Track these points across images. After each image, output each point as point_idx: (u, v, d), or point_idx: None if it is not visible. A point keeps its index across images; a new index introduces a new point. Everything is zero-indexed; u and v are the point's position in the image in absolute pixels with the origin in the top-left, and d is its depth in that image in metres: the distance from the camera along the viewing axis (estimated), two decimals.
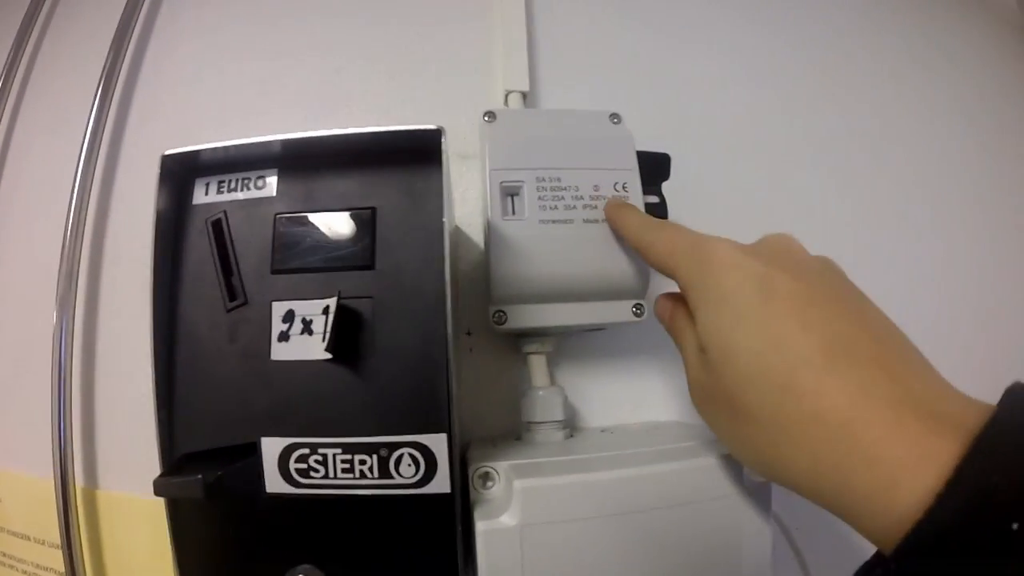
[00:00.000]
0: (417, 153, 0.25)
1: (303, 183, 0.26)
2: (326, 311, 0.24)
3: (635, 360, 0.33)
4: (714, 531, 0.25)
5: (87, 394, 0.37)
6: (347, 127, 0.28)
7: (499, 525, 0.23)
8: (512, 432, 0.32)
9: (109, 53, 0.39)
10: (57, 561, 0.38)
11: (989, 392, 0.15)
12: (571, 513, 0.24)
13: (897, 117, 0.42)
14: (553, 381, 0.31)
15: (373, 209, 0.25)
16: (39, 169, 0.41)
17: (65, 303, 0.36)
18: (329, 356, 0.23)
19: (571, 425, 0.31)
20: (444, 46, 0.37)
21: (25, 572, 0.40)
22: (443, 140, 0.24)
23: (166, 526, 0.31)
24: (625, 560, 0.24)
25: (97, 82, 0.39)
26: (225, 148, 0.26)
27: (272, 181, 0.26)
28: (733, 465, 0.25)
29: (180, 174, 0.27)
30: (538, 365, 0.30)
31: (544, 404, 0.29)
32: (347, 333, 0.24)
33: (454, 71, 0.36)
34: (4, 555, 0.41)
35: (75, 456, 0.37)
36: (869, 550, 0.16)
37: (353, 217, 0.25)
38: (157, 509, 0.34)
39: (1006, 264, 0.41)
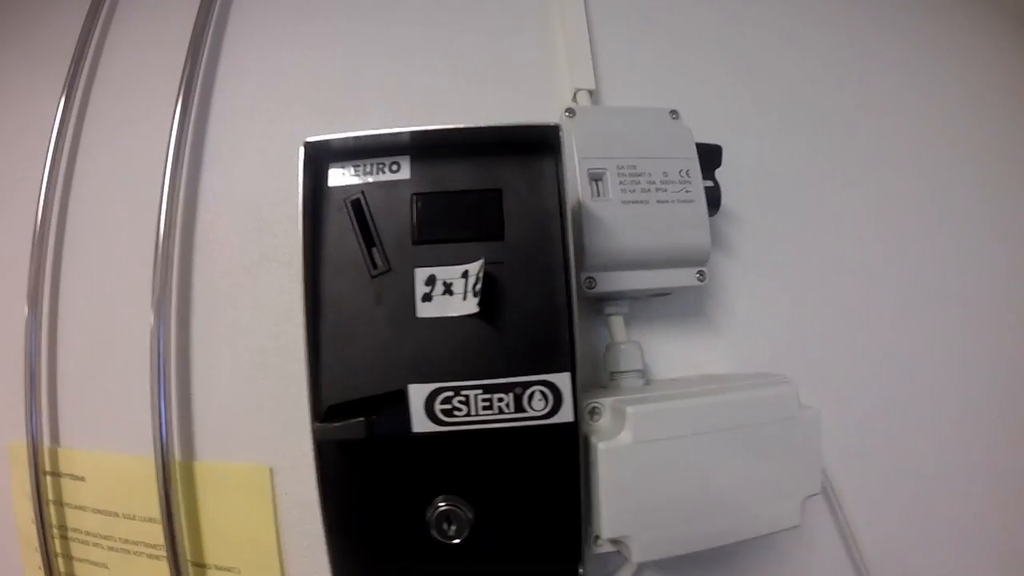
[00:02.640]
0: (534, 144, 0.30)
1: (433, 168, 0.30)
2: (465, 275, 0.29)
3: (692, 322, 0.39)
4: (781, 444, 0.31)
5: (182, 371, 0.40)
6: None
7: (617, 443, 0.29)
8: (595, 383, 0.37)
9: (188, 50, 0.42)
10: (147, 534, 0.40)
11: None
12: (670, 432, 0.29)
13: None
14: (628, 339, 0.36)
15: (499, 190, 0.30)
16: (128, 165, 0.43)
17: (163, 287, 0.38)
18: (476, 311, 0.28)
19: (644, 376, 0.36)
20: (514, 47, 0.42)
21: (112, 548, 0.41)
22: (561, 134, 0.29)
23: (263, 489, 0.35)
24: (712, 465, 0.30)
25: (180, 77, 0.41)
26: (359, 137, 0.30)
27: (406, 166, 0.30)
28: (791, 393, 0.31)
29: (317, 159, 0.30)
30: (618, 324, 0.36)
31: (627, 355, 0.35)
32: (485, 292, 0.28)
33: (523, 70, 0.41)
34: (87, 534, 0.42)
35: (174, 430, 0.39)
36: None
37: (482, 196, 0.30)
38: (252, 475, 0.38)
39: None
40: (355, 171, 0.31)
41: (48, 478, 0.42)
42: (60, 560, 0.42)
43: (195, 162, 0.42)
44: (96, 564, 0.42)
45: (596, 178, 0.34)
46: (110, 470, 0.41)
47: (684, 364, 0.38)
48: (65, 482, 0.43)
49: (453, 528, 0.28)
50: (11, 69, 0.48)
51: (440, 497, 0.29)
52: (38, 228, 0.43)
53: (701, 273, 0.35)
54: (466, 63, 0.42)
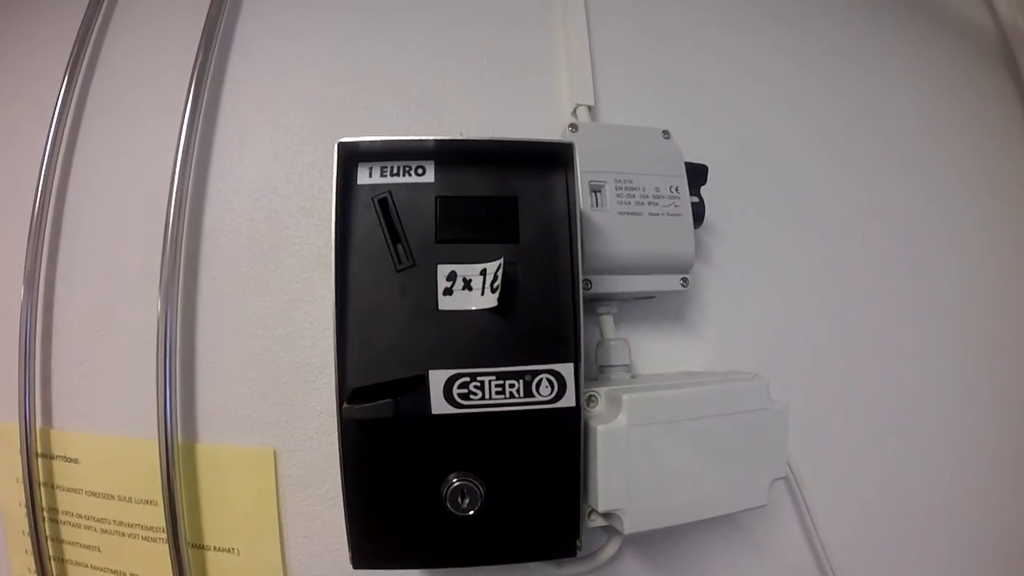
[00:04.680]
0: (549, 158, 0.33)
1: (456, 174, 0.33)
2: (483, 273, 0.32)
3: (673, 323, 0.43)
4: (753, 431, 0.35)
5: (186, 355, 0.40)
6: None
7: (614, 426, 0.32)
8: (586, 375, 0.41)
9: (201, 37, 0.42)
10: (143, 516, 0.41)
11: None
12: (659, 417, 0.33)
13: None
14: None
15: (515, 198, 0.33)
16: (132, 150, 0.44)
17: (171, 272, 0.39)
18: (496, 305, 0.31)
19: (630, 370, 0.40)
20: (519, 59, 0.45)
21: (105, 531, 0.42)
22: (574, 152, 0.33)
23: (267, 471, 0.37)
24: (694, 448, 0.34)
25: (192, 63, 0.42)
26: (389, 141, 0.33)
27: (431, 170, 0.33)
28: (763, 387, 0.36)
29: (347, 159, 0.33)
30: (608, 323, 0.40)
31: (616, 351, 0.39)
32: (501, 289, 0.31)
33: (527, 82, 0.44)
34: (79, 516, 0.42)
35: (177, 412, 0.40)
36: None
37: (500, 202, 0.33)
38: (257, 457, 0.39)
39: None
40: (383, 172, 0.33)
41: (39, 460, 0.42)
42: (50, 543, 0.42)
43: (204, 150, 0.43)
44: (88, 547, 0.42)
45: (596, 190, 0.38)
46: (105, 452, 0.42)
47: (665, 361, 0.42)
48: (57, 464, 0.42)
49: (467, 502, 0.31)
50: (13, 47, 0.47)
51: (454, 473, 0.32)
52: (36, 210, 0.42)
53: (684, 279, 0.39)
54: (473, 69, 0.45)
